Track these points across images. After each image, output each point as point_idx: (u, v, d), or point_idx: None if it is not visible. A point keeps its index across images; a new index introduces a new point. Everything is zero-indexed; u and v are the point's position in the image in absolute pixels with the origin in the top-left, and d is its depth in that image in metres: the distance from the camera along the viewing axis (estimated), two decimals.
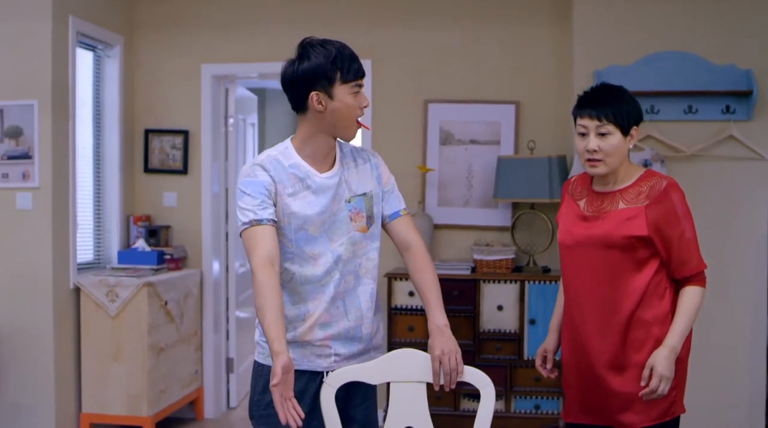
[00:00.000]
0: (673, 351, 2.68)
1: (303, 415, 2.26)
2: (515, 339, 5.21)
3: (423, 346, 5.11)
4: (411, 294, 5.30)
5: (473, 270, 5.38)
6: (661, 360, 2.66)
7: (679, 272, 2.78)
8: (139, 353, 5.12)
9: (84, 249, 5.54)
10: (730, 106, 5.11)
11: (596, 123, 2.72)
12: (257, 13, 5.89)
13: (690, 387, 2.93)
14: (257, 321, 2.70)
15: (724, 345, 5.14)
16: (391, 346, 5.27)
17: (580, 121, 2.78)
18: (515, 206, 5.57)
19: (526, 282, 5.21)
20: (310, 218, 2.58)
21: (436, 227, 5.64)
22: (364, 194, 2.70)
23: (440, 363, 2.57)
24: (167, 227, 5.89)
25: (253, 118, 7.00)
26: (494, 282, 5.24)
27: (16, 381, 5.01)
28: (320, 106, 2.55)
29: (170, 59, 5.97)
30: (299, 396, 2.59)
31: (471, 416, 5.11)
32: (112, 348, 5.15)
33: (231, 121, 6.21)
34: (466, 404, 5.27)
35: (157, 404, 5.21)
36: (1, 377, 5.02)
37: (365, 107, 2.64)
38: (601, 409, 2.83)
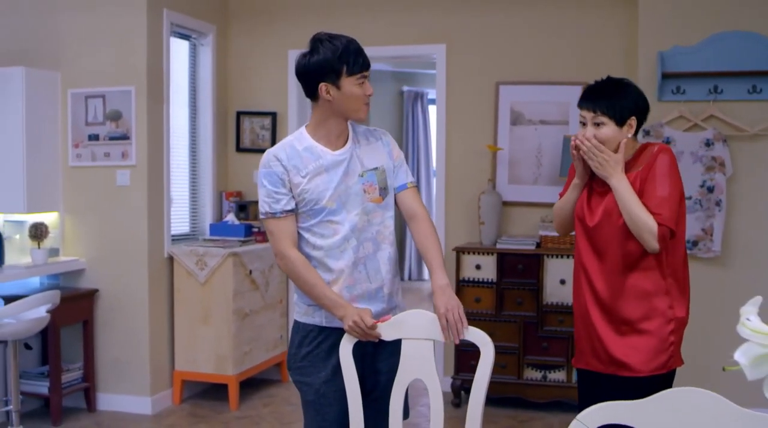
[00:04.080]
0: (614, 180, 2.92)
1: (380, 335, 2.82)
2: None
3: (491, 317, 5.42)
4: (478, 267, 5.58)
5: (538, 245, 5.61)
6: (610, 160, 2.93)
7: None
8: (225, 317, 5.60)
9: (180, 222, 6.07)
10: None
11: (592, 114, 2.97)
12: (341, 0, 6.25)
13: None
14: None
15: None
16: None
17: (580, 112, 3.03)
18: None
19: None
20: (325, 194, 2.87)
21: (506, 204, 5.88)
22: (376, 168, 2.97)
23: (446, 319, 2.85)
24: (256, 202, 6.32)
25: None
26: (558, 257, 5.46)
27: (117, 339, 5.58)
28: (328, 95, 2.83)
29: (260, 46, 6.41)
30: (331, 350, 2.92)
31: (538, 385, 5.38)
32: (202, 312, 5.65)
33: None
34: (529, 373, 5.51)
35: (241, 364, 5.68)
36: (104, 336, 5.59)
37: (370, 95, 2.87)
38: (604, 358, 3.04)
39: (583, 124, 3.02)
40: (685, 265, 3.06)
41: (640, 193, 2.91)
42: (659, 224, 2.84)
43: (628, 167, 2.99)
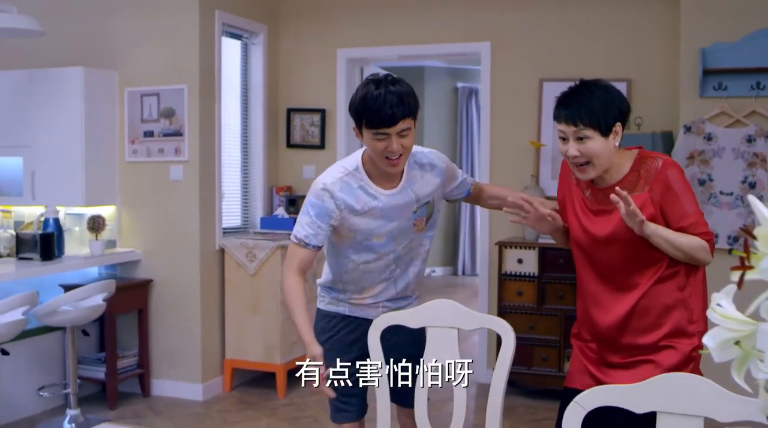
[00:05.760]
0: (650, 229, 2.58)
1: (333, 395, 2.71)
2: None
3: (533, 311, 5.50)
4: (520, 261, 5.67)
5: None
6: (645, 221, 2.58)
7: None
8: (273, 308, 5.79)
9: (232, 216, 6.29)
10: None
11: (573, 128, 2.61)
12: (389, 0, 6.40)
13: None
14: (325, 272, 3.20)
15: None
16: (501, 310, 5.69)
17: (558, 126, 2.68)
18: None
19: None
20: (376, 232, 2.95)
21: (548, 199, 5.94)
22: (427, 202, 3.01)
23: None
24: (304, 197, 6.51)
25: None
26: None
27: (170, 328, 5.82)
28: (359, 138, 2.84)
29: (309, 45, 6.59)
30: (352, 343, 3.06)
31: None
32: (251, 302, 5.85)
33: None
34: None
35: (289, 354, 5.87)
36: (158, 324, 5.84)
37: (392, 152, 2.76)
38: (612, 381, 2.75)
39: (564, 139, 2.66)
40: (703, 272, 2.78)
41: (662, 213, 2.64)
42: (707, 240, 2.65)
43: (629, 184, 2.67)
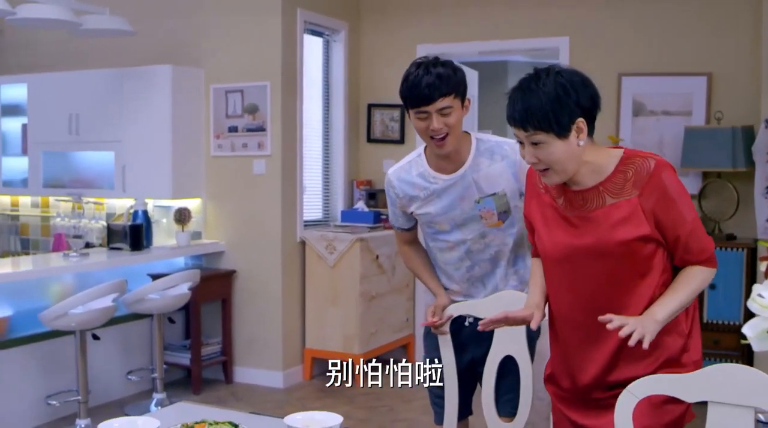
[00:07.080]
0: (660, 325, 2.22)
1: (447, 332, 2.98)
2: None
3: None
4: None
5: None
6: (651, 326, 2.19)
7: (683, 261, 2.31)
8: (352, 299, 5.92)
9: (313, 209, 6.45)
10: None
11: (523, 133, 2.23)
12: None
13: None
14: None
15: None
16: None
17: (512, 129, 2.28)
18: (705, 174, 5.74)
19: None
20: (436, 217, 2.98)
21: None
22: (494, 194, 2.90)
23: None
24: (384, 190, 6.63)
25: (472, 92, 7.56)
26: None
27: (252, 317, 6.01)
28: (411, 120, 2.87)
29: (389, 41, 6.71)
30: (453, 333, 3.13)
31: None
32: (331, 293, 5.99)
33: None
34: None
35: (367, 344, 6.00)
36: (241, 313, 6.03)
37: (434, 131, 2.76)
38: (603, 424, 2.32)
39: (521, 143, 2.29)
40: None
41: (656, 223, 2.25)
42: (707, 258, 2.31)
43: (614, 187, 2.27)
